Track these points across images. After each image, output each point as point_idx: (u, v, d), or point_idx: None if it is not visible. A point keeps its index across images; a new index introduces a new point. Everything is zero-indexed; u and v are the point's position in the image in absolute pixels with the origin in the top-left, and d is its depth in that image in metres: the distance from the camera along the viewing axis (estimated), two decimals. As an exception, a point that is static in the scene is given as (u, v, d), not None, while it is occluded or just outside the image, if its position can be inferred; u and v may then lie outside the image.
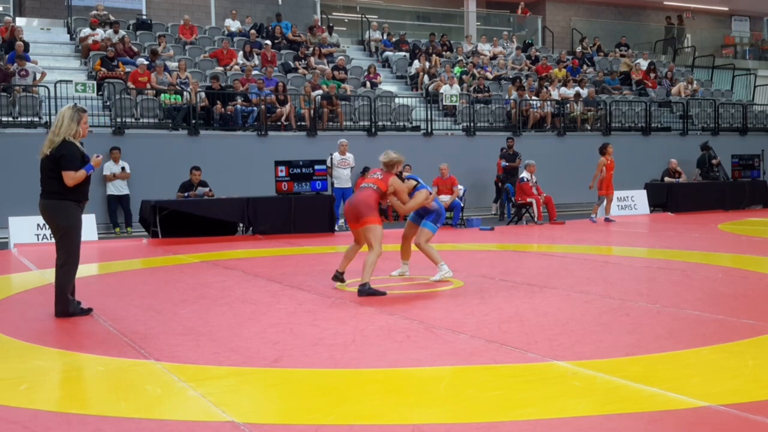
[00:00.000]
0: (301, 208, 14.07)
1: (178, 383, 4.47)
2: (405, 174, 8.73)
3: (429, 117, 19.04)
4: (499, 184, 17.55)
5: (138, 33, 20.27)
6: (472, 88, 20.73)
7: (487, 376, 4.54)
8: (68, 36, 20.42)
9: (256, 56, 19.86)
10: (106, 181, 15.19)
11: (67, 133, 6.43)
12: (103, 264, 10.71)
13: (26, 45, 17.15)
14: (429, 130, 18.99)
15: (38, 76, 16.25)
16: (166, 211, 13.38)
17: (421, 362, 4.84)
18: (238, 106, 17.20)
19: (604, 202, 15.99)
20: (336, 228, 14.48)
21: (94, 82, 16.26)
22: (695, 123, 23.15)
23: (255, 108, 17.30)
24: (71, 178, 6.38)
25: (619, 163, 16.43)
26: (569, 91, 21.66)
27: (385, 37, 23.50)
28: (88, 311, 6.64)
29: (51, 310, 6.68)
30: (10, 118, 15.59)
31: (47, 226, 6.68)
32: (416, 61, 21.74)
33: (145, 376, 4.68)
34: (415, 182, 8.22)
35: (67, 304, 6.52)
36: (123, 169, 15.27)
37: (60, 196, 6.45)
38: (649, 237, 13.68)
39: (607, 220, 15.89)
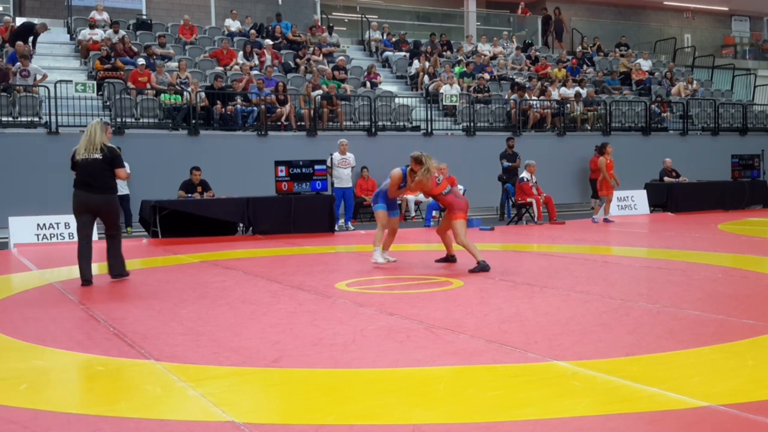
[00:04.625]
0: (301, 208, 14.07)
1: (178, 383, 4.47)
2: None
3: (429, 117, 19.04)
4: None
5: (138, 33, 20.27)
6: (471, 88, 20.73)
7: (487, 376, 4.54)
8: (68, 36, 20.43)
9: (256, 56, 19.87)
10: (106, 181, 15.19)
11: (105, 140, 8.27)
12: (103, 264, 10.69)
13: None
14: (429, 130, 18.99)
15: (39, 76, 16.23)
16: (166, 211, 13.38)
17: (421, 362, 4.84)
18: (238, 106, 17.20)
19: (604, 202, 15.98)
20: (336, 228, 14.48)
21: (94, 82, 16.25)
22: (695, 123, 23.15)
23: (255, 108, 17.30)
24: (126, 172, 8.59)
25: (619, 163, 16.42)
26: (569, 91, 21.66)
27: (385, 37, 23.50)
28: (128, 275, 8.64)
29: (51, 310, 6.69)
30: (10, 118, 15.59)
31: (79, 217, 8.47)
32: (416, 61, 21.74)
33: (145, 376, 4.68)
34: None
35: (124, 265, 8.57)
36: (123, 169, 15.26)
37: (113, 191, 8.39)
38: (649, 237, 13.68)
39: (606, 220, 15.88)
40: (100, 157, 8.15)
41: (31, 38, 17.81)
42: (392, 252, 10.21)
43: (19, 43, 17.12)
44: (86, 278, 8.36)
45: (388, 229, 9.91)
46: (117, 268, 8.57)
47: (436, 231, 9.90)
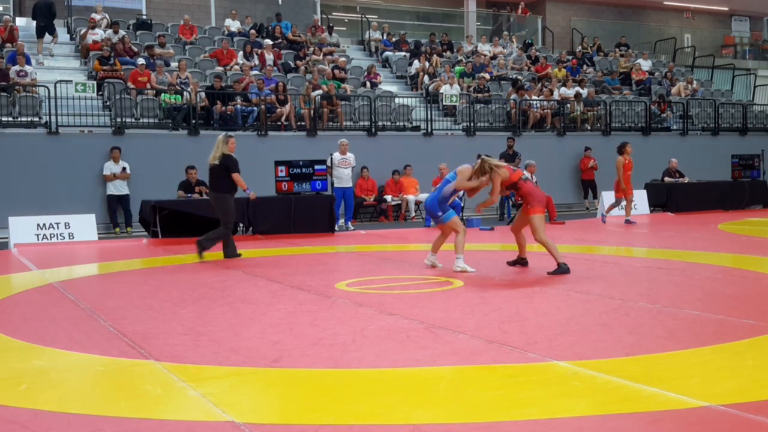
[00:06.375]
0: (301, 208, 14.07)
1: (178, 383, 4.47)
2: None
3: (429, 117, 19.04)
4: None
5: (138, 33, 20.27)
6: (472, 88, 20.73)
7: (487, 376, 4.54)
8: (68, 36, 20.41)
9: (256, 56, 19.87)
10: (106, 181, 15.20)
11: (225, 150, 10.39)
12: (103, 264, 10.71)
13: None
14: (429, 130, 18.99)
15: (32, 77, 16.22)
16: (166, 211, 13.38)
17: (421, 362, 4.84)
18: (238, 106, 17.20)
19: (623, 203, 15.83)
20: (336, 228, 14.47)
21: (94, 82, 16.25)
22: (695, 123, 23.15)
23: (255, 108, 17.30)
24: (240, 178, 10.46)
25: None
26: (569, 91, 21.66)
27: (385, 37, 23.50)
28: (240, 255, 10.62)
29: (51, 310, 6.69)
30: (10, 118, 15.58)
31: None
32: (416, 61, 21.74)
33: (145, 376, 4.68)
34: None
35: (234, 247, 10.64)
36: (123, 169, 15.28)
37: (225, 190, 10.44)
38: (649, 237, 13.68)
39: (627, 221, 15.69)
40: (218, 164, 10.31)
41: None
42: (393, 252, 10.19)
43: (20, 42, 17.12)
44: (201, 247, 10.55)
45: (442, 231, 9.28)
46: (228, 252, 10.62)
47: (511, 229, 9.19)
